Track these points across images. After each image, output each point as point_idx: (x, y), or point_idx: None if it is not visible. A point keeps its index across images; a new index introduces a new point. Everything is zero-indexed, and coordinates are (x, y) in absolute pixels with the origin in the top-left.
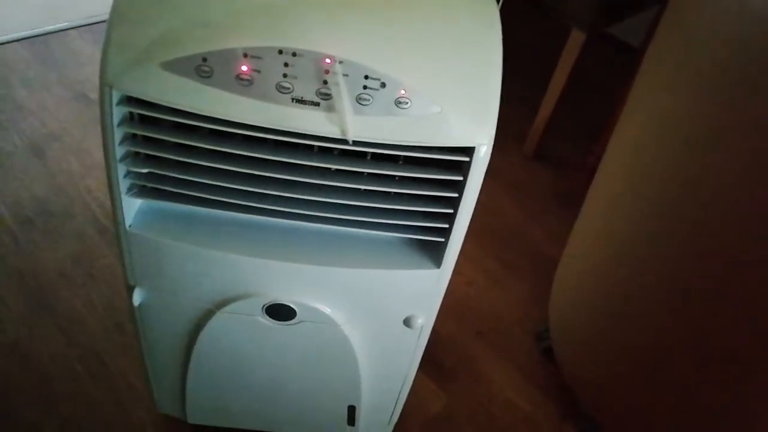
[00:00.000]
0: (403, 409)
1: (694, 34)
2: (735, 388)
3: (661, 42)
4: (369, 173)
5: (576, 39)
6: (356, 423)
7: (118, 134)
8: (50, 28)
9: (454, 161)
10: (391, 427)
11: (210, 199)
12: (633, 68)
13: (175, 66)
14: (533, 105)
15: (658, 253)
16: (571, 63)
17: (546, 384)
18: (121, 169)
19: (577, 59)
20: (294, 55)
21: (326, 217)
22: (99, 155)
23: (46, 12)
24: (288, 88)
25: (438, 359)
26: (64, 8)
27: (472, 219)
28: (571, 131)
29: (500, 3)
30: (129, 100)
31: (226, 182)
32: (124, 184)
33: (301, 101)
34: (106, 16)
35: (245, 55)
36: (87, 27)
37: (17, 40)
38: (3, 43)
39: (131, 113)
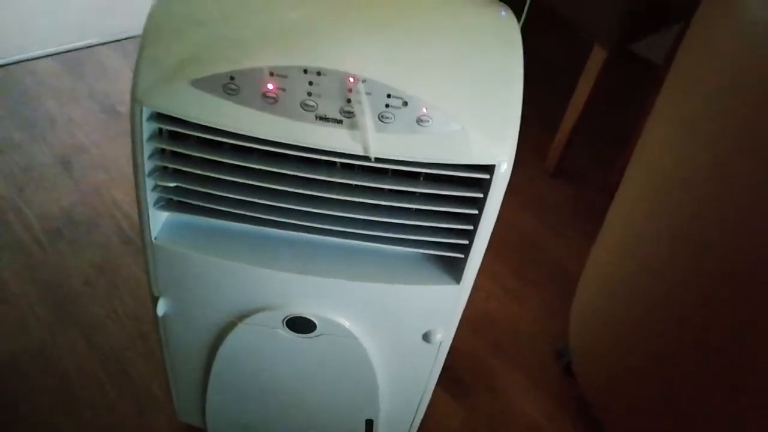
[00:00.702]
0: (420, 424)
1: (718, 51)
2: (759, 403)
3: (685, 59)
4: (390, 189)
5: (598, 55)
6: None
7: (147, 149)
8: (81, 44)
9: (475, 178)
10: None
11: (234, 213)
12: (655, 85)
13: (203, 84)
14: (554, 121)
15: (681, 269)
16: (592, 79)
17: (564, 399)
18: (149, 183)
19: (599, 76)
20: (318, 74)
21: (347, 231)
22: (125, 167)
23: (77, 29)
24: (312, 106)
25: (456, 374)
26: (94, 25)
27: (491, 234)
28: (592, 148)
29: (522, 20)
30: (158, 116)
31: (251, 197)
32: (151, 197)
33: (324, 119)
34: (134, 32)
35: (271, 74)
36: (117, 43)
37: (50, 56)
38: (36, 58)
39: (160, 129)
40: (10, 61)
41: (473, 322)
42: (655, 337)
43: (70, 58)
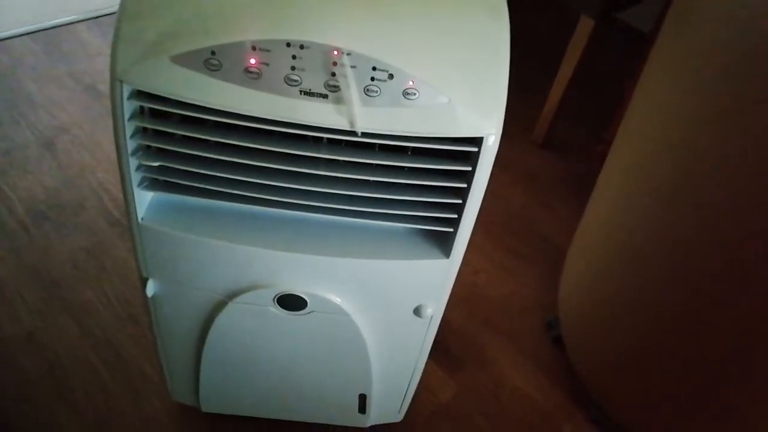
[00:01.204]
0: (413, 397)
1: (701, 19)
2: (739, 376)
3: (670, 28)
4: (377, 164)
5: (585, 25)
6: (367, 411)
7: (129, 128)
8: (58, 21)
9: (463, 151)
10: (402, 415)
11: (220, 191)
12: (643, 54)
13: (184, 60)
14: (542, 93)
15: (668, 241)
16: (579, 50)
17: (555, 372)
18: (133, 163)
19: (586, 46)
20: (302, 47)
21: (335, 208)
22: (109, 148)
23: (53, 5)
24: (296, 81)
25: (448, 348)
26: (70, 1)
27: (480, 208)
28: (581, 119)
29: None
30: (139, 94)
31: (236, 174)
32: (135, 177)
33: (309, 93)
34: (112, 9)
35: (253, 48)
36: (94, 20)
37: (26, 34)
38: (12, 37)
39: (142, 107)
40: None
41: (463, 296)
42: (642, 308)
43: (47, 36)
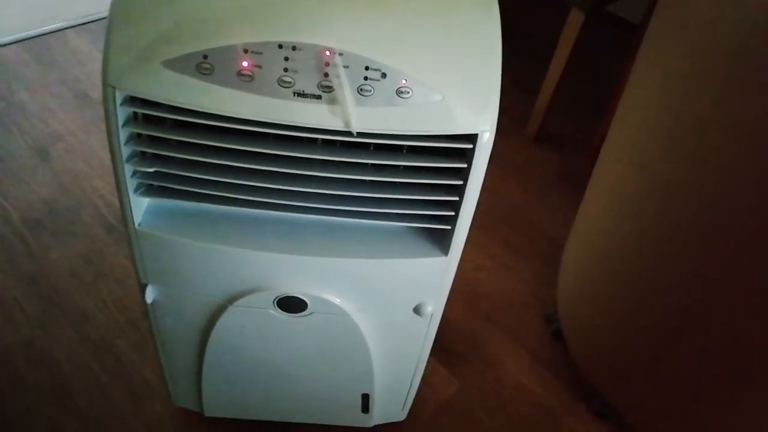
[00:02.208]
0: (416, 395)
1: (689, 9)
2: (738, 365)
3: (659, 18)
4: (373, 164)
5: (575, 19)
6: (370, 410)
7: (123, 135)
8: (47, 28)
9: (458, 149)
10: (405, 413)
11: (217, 195)
12: (634, 46)
13: (176, 64)
14: (534, 87)
15: (664, 233)
16: (570, 43)
17: (557, 366)
18: (128, 169)
19: (577, 39)
20: (294, 49)
21: (332, 209)
22: (103, 154)
23: (42, 12)
24: (289, 83)
25: (449, 345)
26: (59, 8)
27: (476, 204)
28: (574, 112)
29: None
30: (132, 100)
31: (232, 178)
32: (131, 183)
33: (302, 95)
34: (102, 15)
35: (245, 51)
36: (84, 26)
37: (15, 42)
38: (1, 46)
39: (135, 113)
40: None
41: (463, 293)
42: (640, 301)
43: (37, 43)
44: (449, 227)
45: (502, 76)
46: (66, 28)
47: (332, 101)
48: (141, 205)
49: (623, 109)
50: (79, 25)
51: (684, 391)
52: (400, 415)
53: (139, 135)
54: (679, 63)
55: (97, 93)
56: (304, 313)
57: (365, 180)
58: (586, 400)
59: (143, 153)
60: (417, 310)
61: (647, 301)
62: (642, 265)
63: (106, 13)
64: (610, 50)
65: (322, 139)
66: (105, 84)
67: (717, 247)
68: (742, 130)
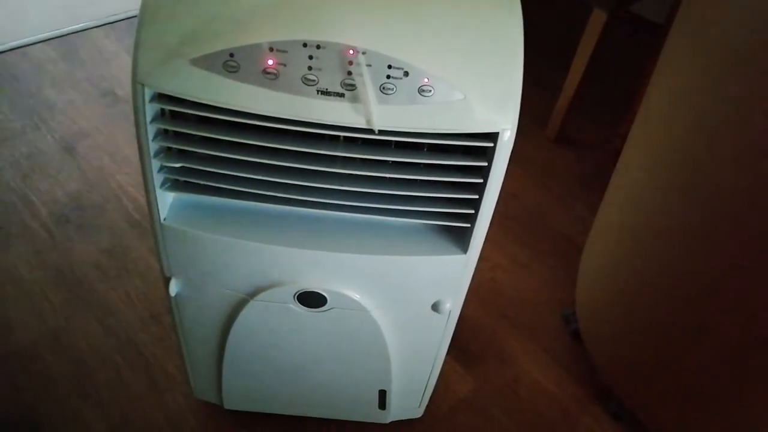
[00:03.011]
0: (432, 393)
1: (714, 8)
2: (760, 368)
3: (684, 18)
4: (394, 161)
5: (597, 19)
6: (387, 407)
7: (151, 131)
8: (74, 27)
9: (479, 147)
10: (422, 410)
11: (240, 190)
12: (657, 46)
13: (203, 62)
14: (555, 87)
15: (685, 233)
16: (592, 43)
17: (573, 366)
18: (155, 165)
19: (599, 39)
20: (318, 47)
21: (353, 205)
22: (128, 151)
23: (69, 12)
24: (313, 81)
25: (465, 343)
26: (86, 7)
27: (495, 204)
28: (595, 113)
29: None
30: (160, 96)
31: (255, 174)
32: (158, 178)
33: (326, 93)
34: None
35: (271, 49)
36: (110, 25)
37: (43, 41)
38: (30, 44)
39: (162, 110)
40: (5, 48)
41: (481, 292)
42: (661, 301)
43: (64, 42)
44: (468, 225)
45: (523, 74)
46: (93, 27)
47: (355, 99)
48: (166, 200)
49: (645, 110)
50: (106, 24)
51: (703, 394)
52: (417, 412)
53: (165, 131)
54: (703, 63)
55: (122, 91)
56: (323, 308)
57: (386, 177)
58: (603, 400)
59: (169, 149)
60: (435, 307)
61: (667, 303)
62: (662, 268)
63: (132, 13)
64: (633, 50)
65: (344, 137)
66: (134, 81)
67: (740, 248)
68: (764, 132)
